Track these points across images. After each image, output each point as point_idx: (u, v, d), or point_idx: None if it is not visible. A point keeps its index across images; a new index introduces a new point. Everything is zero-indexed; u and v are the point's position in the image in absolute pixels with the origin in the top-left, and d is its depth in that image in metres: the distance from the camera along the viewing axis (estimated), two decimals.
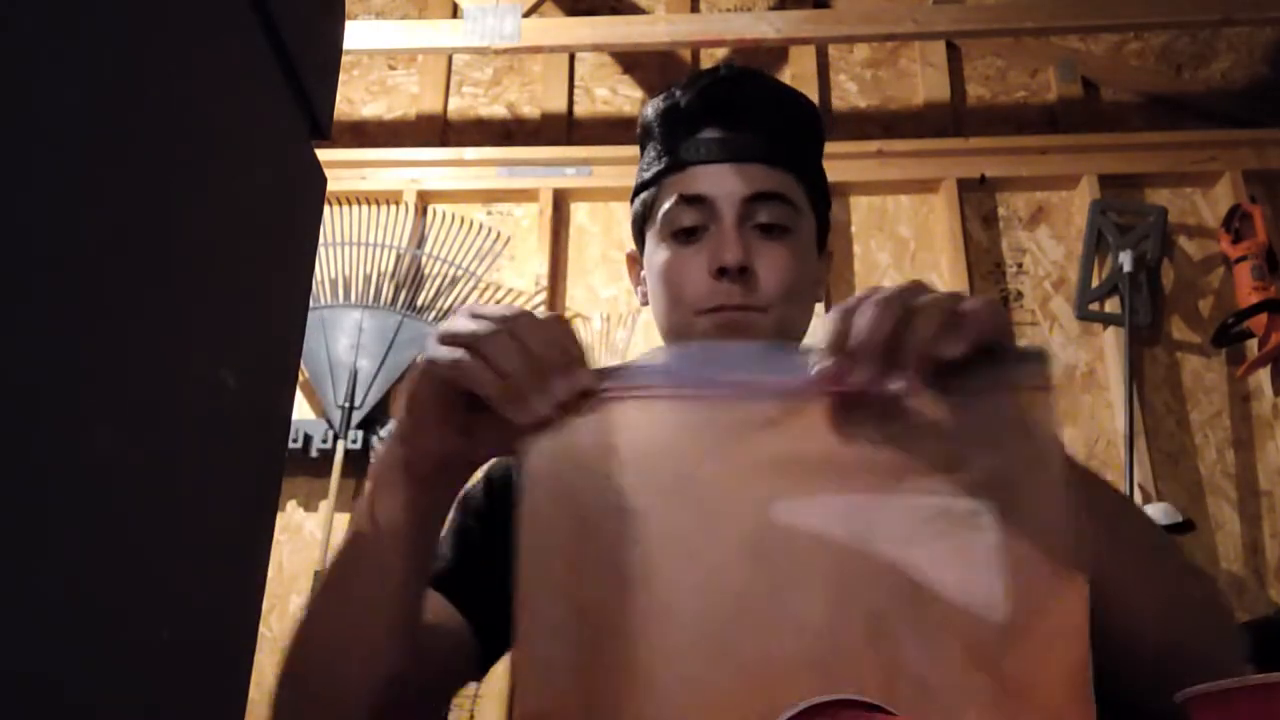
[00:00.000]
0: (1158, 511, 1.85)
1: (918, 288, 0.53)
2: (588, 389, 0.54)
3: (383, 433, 2.03)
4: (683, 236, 0.79)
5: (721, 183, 0.78)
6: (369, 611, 0.58)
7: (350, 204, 2.18)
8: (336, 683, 0.58)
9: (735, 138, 0.79)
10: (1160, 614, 0.61)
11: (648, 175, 0.83)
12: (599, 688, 0.49)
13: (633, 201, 0.86)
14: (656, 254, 0.81)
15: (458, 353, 0.53)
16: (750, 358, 0.59)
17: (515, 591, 0.50)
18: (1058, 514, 0.52)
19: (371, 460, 0.61)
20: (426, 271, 2.17)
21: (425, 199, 2.26)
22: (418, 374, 0.55)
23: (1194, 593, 0.65)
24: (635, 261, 0.89)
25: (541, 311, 0.55)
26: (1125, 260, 2.04)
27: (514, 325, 0.53)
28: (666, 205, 0.79)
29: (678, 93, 0.83)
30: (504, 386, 0.52)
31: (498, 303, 0.57)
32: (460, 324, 0.54)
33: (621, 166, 2.20)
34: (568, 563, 0.52)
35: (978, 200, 2.24)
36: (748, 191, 0.77)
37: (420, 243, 2.18)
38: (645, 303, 0.86)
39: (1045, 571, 0.51)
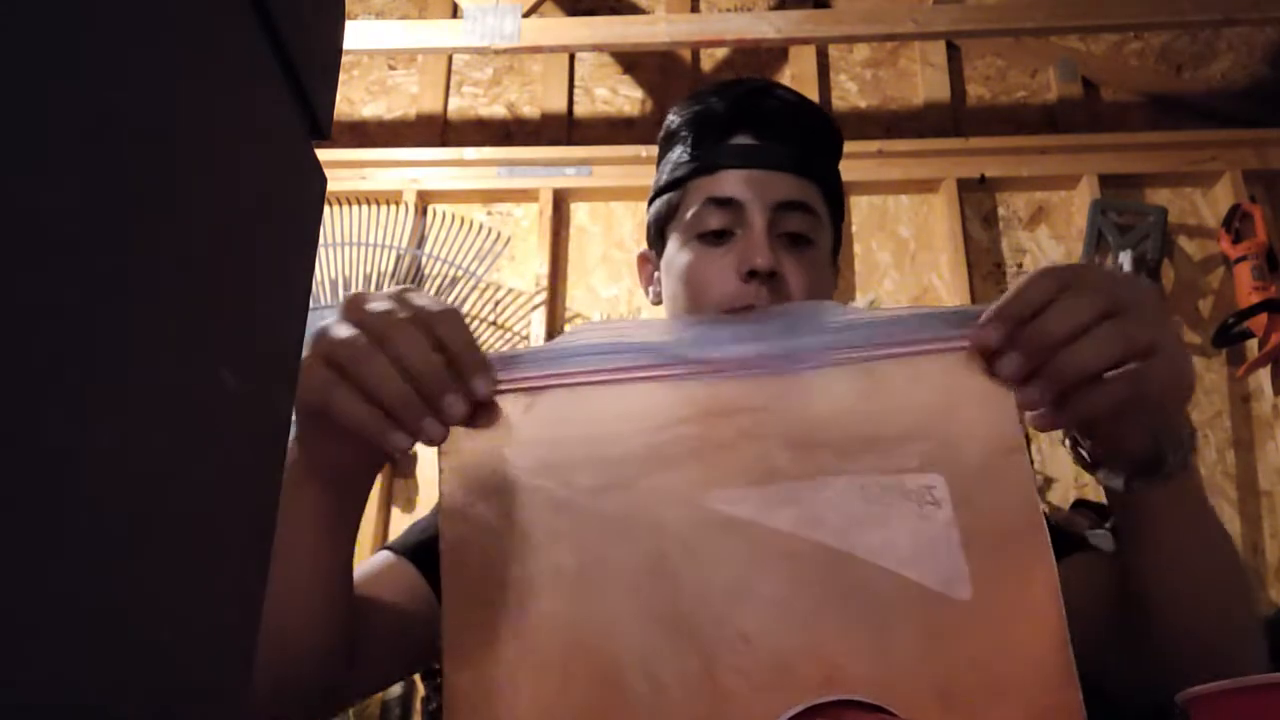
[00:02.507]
0: None
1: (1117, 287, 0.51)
2: (481, 399, 0.50)
3: None
4: (710, 239, 0.79)
5: (752, 188, 0.79)
6: (289, 593, 0.57)
7: (350, 204, 2.18)
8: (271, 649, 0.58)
9: (766, 146, 0.80)
10: (1211, 625, 0.61)
11: (674, 176, 0.84)
12: (531, 707, 0.46)
13: (653, 201, 0.86)
14: (680, 254, 0.81)
15: (329, 378, 0.48)
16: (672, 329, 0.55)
17: (441, 609, 0.47)
18: (1017, 478, 0.49)
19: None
20: (426, 271, 2.17)
21: (425, 199, 2.25)
22: (299, 392, 0.51)
23: (1244, 610, 0.65)
24: (648, 261, 0.89)
25: (434, 301, 0.50)
26: (1125, 260, 2.04)
27: (394, 337, 0.48)
28: (695, 207, 0.80)
29: (710, 98, 0.84)
30: (372, 416, 0.47)
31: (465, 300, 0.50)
32: (337, 333, 0.50)
33: (622, 166, 2.20)
34: (492, 573, 0.48)
35: (978, 200, 2.24)
36: (778, 199, 0.78)
37: (420, 243, 2.18)
38: (657, 302, 0.87)
39: (1010, 542, 0.48)
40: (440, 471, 0.51)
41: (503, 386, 0.51)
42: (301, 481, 0.56)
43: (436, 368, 0.48)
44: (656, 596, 0.47)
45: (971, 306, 0.53)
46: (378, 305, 0.50)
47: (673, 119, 0.87)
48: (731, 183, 0.79)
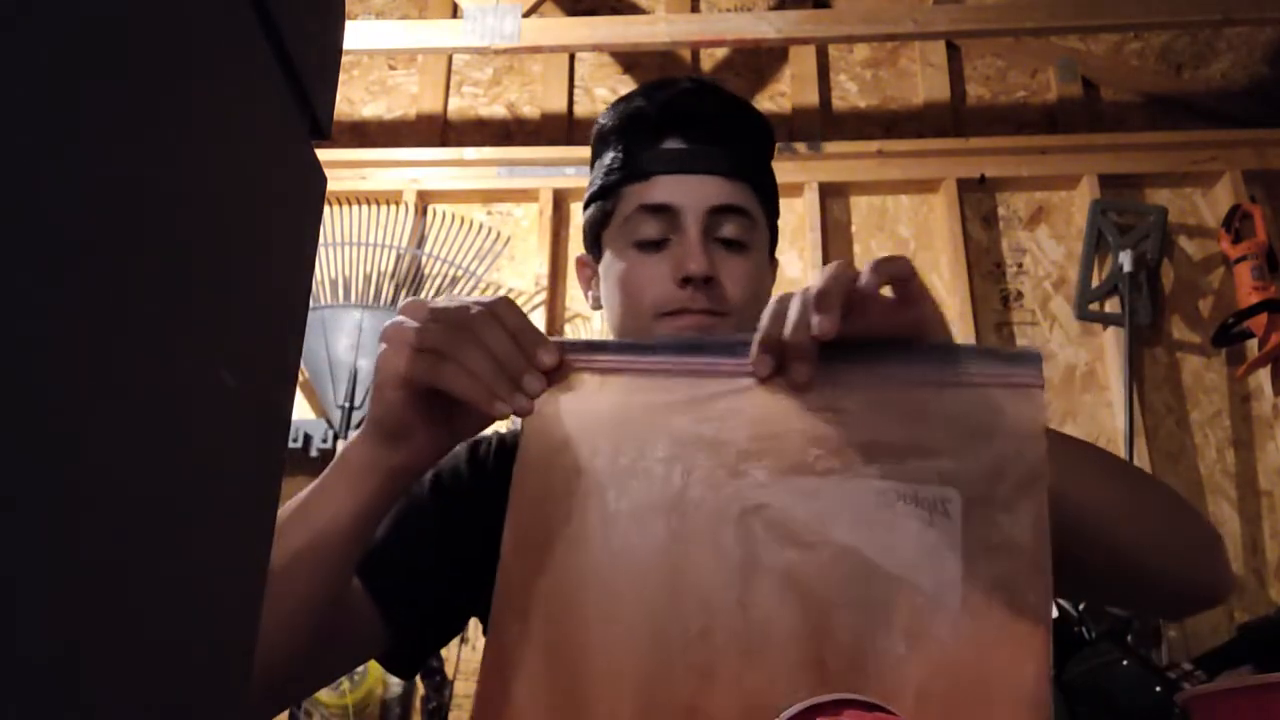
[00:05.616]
0: None
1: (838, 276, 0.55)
2: (553, 367, 0.57)
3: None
4: (645, 246, 0.79)
5: (686, 193, 0.79)
6: (303, 577, 0.59)
7: (350, 204, 2.18)
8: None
9: (699, 149, 0.80)
10: (1125, 520, 0.64)
11: (607, 182, 0.83)
12: (558, 675, 0.52)
13: (587, 207, 0.86)
14: (616, 263, 0.81)
15: (432, 359, 0.56)
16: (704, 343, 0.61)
17: (499, 564, 0.54)
18: (1032, 512, 0.52)
19: (346, 446, 0.62)
20: (426, 271, 2.17)
21: (425, 199, 2.26)
22: (389, 378, 0.58)
23: (1158, 503, 0.68)
24: (586, 265, 0.89)
25: (486, 297, 0.59)
26: (1125, 260, 2.05)
27: (476, 326, 0.56)
28: (628, 214, 0.80)
29: (639, 101, 0.83)
30: (479, 386, 0.55)
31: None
32: (421, 327, 0.57)
33: None
34: (550, 528, 0.55)
35: (978, 200, 2.24)
36: (712, 204, 0.78)
37: (420, 243, 2.18)
38: (596, 307, 0.87)
39: (1009, 565, 0.52)
40: (521, 430, 0.58)
41: (579, 364, 0.59)
42: (356, 475, 0.60)
43: (514, 349, 0.56)
44: (677, 562, 0.53)
45: (1027, 348, 0.58)
46: (447, 304, 0.59)
47: (603, 121, 0.86)
48: (664, 189, 0.79)
